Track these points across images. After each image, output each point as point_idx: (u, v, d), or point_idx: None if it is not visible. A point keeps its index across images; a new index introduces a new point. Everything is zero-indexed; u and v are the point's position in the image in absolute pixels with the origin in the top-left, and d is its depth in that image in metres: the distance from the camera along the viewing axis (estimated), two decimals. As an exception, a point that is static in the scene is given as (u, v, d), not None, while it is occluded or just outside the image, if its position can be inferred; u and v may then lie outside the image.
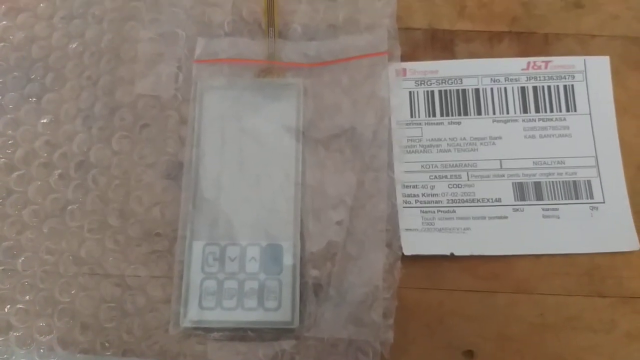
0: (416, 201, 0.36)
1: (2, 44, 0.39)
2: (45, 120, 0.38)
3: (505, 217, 0.36)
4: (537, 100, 0.38)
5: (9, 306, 0.35)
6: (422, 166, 0.37)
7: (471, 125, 0.38)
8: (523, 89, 0.38)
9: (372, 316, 0.34)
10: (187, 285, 0.34)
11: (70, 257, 0.36)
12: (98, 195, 0.37)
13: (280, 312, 0.34)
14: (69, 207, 0.36)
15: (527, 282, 0.35)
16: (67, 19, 0.40)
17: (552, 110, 0.38)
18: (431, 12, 0.40)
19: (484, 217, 0.36)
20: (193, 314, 0.34)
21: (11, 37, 0.39)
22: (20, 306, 0.35)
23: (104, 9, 0.40)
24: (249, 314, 0.34)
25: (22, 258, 0.36)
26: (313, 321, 0.34)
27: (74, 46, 0.39)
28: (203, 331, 0.34)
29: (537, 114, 0.38)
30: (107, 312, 0.35)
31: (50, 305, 0.35)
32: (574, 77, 0.38)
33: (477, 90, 0.38)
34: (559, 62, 0.39)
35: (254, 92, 0.38)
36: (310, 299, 0.34)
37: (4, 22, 0.40)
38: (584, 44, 0.39)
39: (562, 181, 0.37)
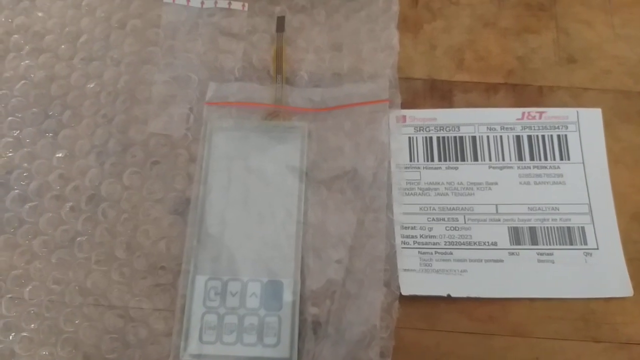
0: (414, 242, 0.38)
1: (23, 82, 0.41)
2: (60, 155, 0.40)
3: (501, 261, 0.37)
4: (531, 149, 0.40)
5: (13, 334, 0.36)
6: (421, 208, 0.38)
7: (468, 171, 0.39)
8: (518, 138, 0.40)
9: (369, 355, 0.34)
10: (189, 318, 0.35)
11: (77, 288, 0.36)
12: (107, 228, 0.38)
13: (279, 349, 0.35)
14: (78, 239, 0.38)
15: (523, 325, 0.36)
16: (87, 60, 0.42)
17: (546, 159, 0.39)
18: (431, 63, 0.42)
19: (480, 260, 0.37)
20: (193, 348, 0.35)
21: (32, 76, 0.42)
22: (25, 334, 0.36)
23: (122, 53, 0.42)
24: (248, 350, 0.35)
25: (30, 287, 0.37)
26: (311, 358, 0.35)
27: (91, 86, 0.41)
28: (202, 365, 0.35)
29: (532, 162, 0.39)
30: (110, 343, 0.35)
31: (55, 334, 0.35)
32: (567, 127, 0.40)
33: (473, 138, 0.40)
34: (552, 113, 0.40)
35: (260, 133, 0.40)
36: (309, 336, 0.35)
37: (27, 61, 0.42)
38: (576, 97, 0.41)
39: (557, 227, 0.38)
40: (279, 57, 0.42)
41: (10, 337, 0.35)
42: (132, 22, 0.43)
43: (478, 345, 0.36)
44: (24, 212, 0.38)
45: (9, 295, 0.36)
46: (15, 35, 0.43)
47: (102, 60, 0.42)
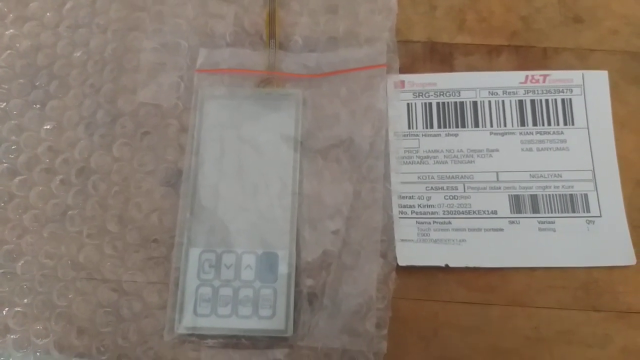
0: (412, 212, 0.37)
1: (8, 52, 0.40)
2: (48, 127, 0.39)
3: (501, 230, 0.36)
4: (534, 114, 0.38)
5: (7, 309, 0.35)
6: (419, 177, 0.37)
7: (468, 137, 0.38)
8: (521, 102, 0.38)
9: (366, 326, 0.34)
10: (183, 291, 0.35)
11: (69, 262, 0.36)
12: (98, 201, 0.37)
13: (274, 321, 0.34)
14: (69, 213, 0.37)
15: (523, 295, 0.35)
16: (73, 28, 0.41)
17: (549, 124, 0.38)
18: (430, 25, 0.41)
19: (479, 229, 0.36)
20: (188, 321, 0.34)
21: (17, 45, 0.40)
22: (19, 309, 0.35)
23: (108, 19, 0.41)
24: (243, 322, 0.34)
25: (22, 262, 0.36)
26: (307, 330, 0.34)
27: (78, 55, 0.40)
28: (197, 338, 0.34)
29: (535, 127, 0.38)
30: (104, 316, 0.35)
31: (48, 308, 0.35)
32: (572, 91, 0.38)
33: (475, 103, 0.38)
34: (557, 76, 0.39)
35: (253, 101, 0.38)
36: (305, 308, 0.35)
37: (11, 31, 0.41)
38: (582, 59, 0.39)
39: (559, 194, 0.37)
40: (271, 20, 0.40)
41: (4, 312, 0.35)
42: (118, -13, 0.41)
43: (476, 315, 0.35)
44: (14, 185, 0.38)
45: (1, 271, 0.36)
46: (-2, 3, 0.42)
47: (89, 28, 0.41)
